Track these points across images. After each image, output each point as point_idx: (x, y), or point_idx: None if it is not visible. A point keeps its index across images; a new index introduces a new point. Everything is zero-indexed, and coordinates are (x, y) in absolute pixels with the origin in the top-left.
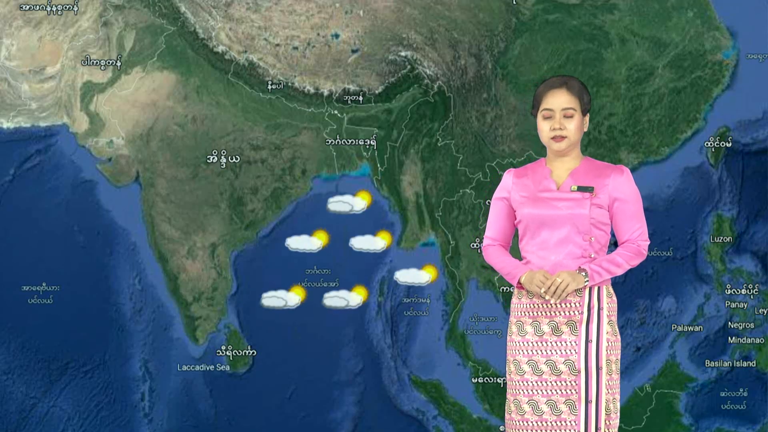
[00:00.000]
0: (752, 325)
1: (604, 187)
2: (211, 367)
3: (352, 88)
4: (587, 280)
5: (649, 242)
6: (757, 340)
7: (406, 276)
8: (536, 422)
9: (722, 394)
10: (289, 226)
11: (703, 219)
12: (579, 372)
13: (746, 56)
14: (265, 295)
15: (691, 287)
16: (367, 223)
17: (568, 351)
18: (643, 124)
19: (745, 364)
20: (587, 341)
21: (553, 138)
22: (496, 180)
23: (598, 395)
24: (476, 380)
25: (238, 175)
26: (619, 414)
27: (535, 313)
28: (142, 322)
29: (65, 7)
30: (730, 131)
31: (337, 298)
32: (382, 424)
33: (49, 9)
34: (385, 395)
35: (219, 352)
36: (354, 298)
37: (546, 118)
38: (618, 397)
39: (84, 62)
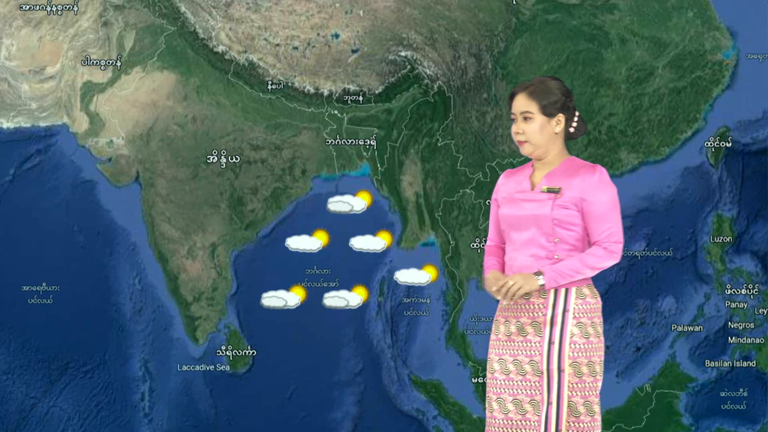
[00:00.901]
0: (752, 325)
1: (572, 186)
2: (211, 367)
3: (352, 88)
4: (542, 283)
5: (621, 243)
6: (757, 340)
7: (406, 276)
8: (502, 420)
9: (722, 394)
10: (289, 226)
11: (703, 219)
12: (542, 373)
13: (746, 56)
14: (265, 295)
15: (691, 287)
16: (367, 223)
17: (532, 352)
18: (643, 124)
19: (745, 364)
20: (550, 343)
21: (518, 142)
22: (496, 180)
23: (559, 397)
24: (476, 380)
25: (238, 175)
26: (597, 417)
27: (507, 314)
28: (142, 322)
29: (65, 7)
30: (730, 131)
31: (337, 298)
32: (382, 424)
33: (49, 9)
34: (385, 395)
35: (219, 352)
36: (354, 298)
37: (513, 121)
38: (595, 399)
39: (84, 62)
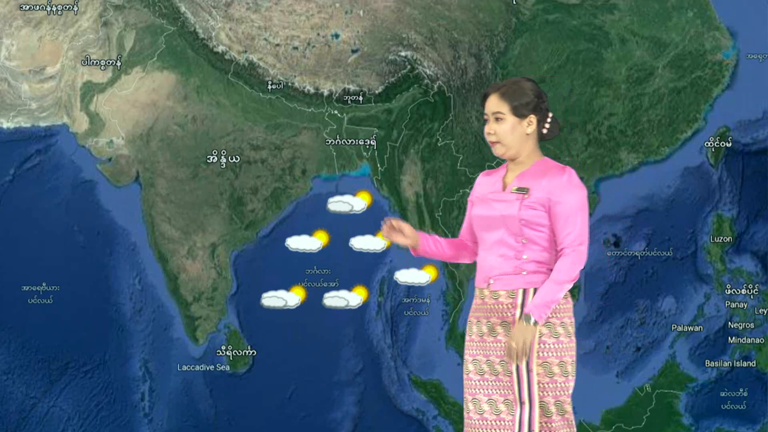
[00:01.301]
0: (752, 325)
1: (540, 187)
2: (211, 367)
3: (352, 88)
4: (536, 321)
5: (585, 245)
6: (757, 340)
7: (406, 276)
8: (478, 420)
9: (722, 394)
10: (289, 226)
11: (703, 219)
12: (512, 373)
13: (746, 56)
14: (265, 295)
15: (691, 287)
16: (367, 223)
17: (503, 352)
18: (643, 124)
19: (745, 364)
20: None
21: (489, 142)
22: None
23: (530, 397)
24: None
25: (238, 175)
26: (568, 416)
27: (478, 314)
28: (142, 322)
29: (65, 7)
30: (730, 131)
31: (337, 298)
32: (382, 424)
33: (49, 9)
34: (385, 395)
35: (219, 352)
36: (354, 298)
37: (485, 122)
38: (567, 399)
39: (84, 62)
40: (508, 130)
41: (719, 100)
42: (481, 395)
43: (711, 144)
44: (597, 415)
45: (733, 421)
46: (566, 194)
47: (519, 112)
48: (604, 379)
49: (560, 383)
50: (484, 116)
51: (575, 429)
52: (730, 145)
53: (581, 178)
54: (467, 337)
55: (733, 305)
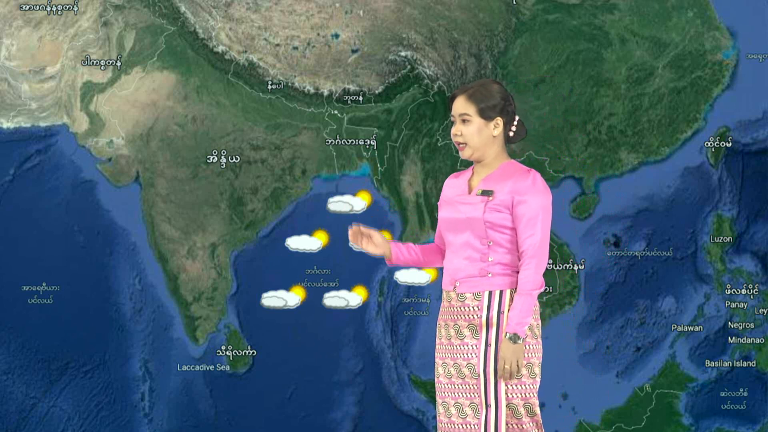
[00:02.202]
0: (752, 325)
1: (505, 189)
2: (211, 367)
3: (352, 88)
4: (522, 337)
5: (544, 250)
6: (757, 340)
7: (406, 276)
8: (446, 424)
9: (722, 394)
10: (289, 226)
11: (703, 219)
12: (479, 376)
13: (746, 56)
14: (265, 295)
15: (691, 287)
16: (367, 223)
17: (469, 354)
18: (643, 124)
19: (745, 364)
20: (486, 345)
21: (456, 144)
22: None
23: (497, 400)
24: None
25: (238, 175)
26: (538, 418)
27: (446, 317)
28: (142, 322)
29: (65, 7)
30: (730, 131)
31: (337, 298)
32: (382, 424)
33: (49, 9)
34: (385, 395)
35: (219, 352)
36: (354, 298)
37: (452, 124)
38: (535, 401)
39: (84, 62)
40: (474, 131)
41: (719, 100)
42: (449, 398)
43: (711, 144)
44: (597, 415)
45: (733, 421)
46: (529, 196)
47: (485, 114)
48: (604, 379)
49: (528, 385)
50: (451, 118)
51: (543, 430)
52: (730, 145)
53: (581, 179)
54: (437, 341)
55: (733, 305)
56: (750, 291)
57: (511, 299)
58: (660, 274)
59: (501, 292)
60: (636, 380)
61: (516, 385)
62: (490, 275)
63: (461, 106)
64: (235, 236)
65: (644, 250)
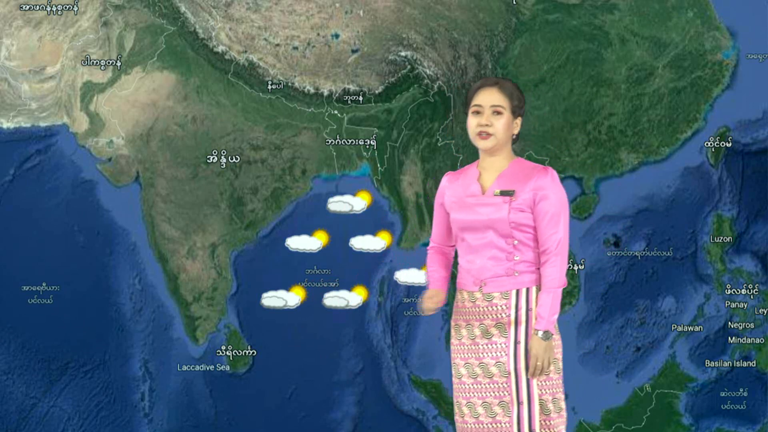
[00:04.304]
0: (752, 325)
1: (526, 189)
2: (211, 367)
3: (352, 88)
4: (553, 334)
5: (566, 246)
6: (757, 340)
7: (406, 276)
8: (474, 424)
9: (722, 394)
10: (289, 226)
11: (703, 219)
12: (509, 374)
13: (746, 56)
14: (265, 295)
15: (691, 287)
16: (367, 223)
17: (498, 353)
18: (643, 124)
19: (745, 364)
20: (516, 343)
21: (479, 134)
22: None
23: (529, 396)
24: None
25: (238, 175)
26: (564, 413)
27: (468, 317)
28: (142, 322)
29: (65, 7)
30: (730, 131)
31: (337, 298)
32: (382, 424)
33: (49, 9)
34: (385, 395)
35: (219, 352)
36: (354, 298)
37: (475, 114)
38: (561, 396)
39: (84, 62)
40: (504, 125)
41: (719, 100)
42: (476, 399)
43: (711, 144)
44: (597, 415)
45: (733, 421)
46: (550, 193)
47: (515, 112)
48: (604, 379)
49: (555, 380)
50: (474, 107)
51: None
52: (730, 145)
53: (581, 179)
54: (455, 341)
55: (733, 305)
56: (750, 291)
57: (537, 296)
58: (660, 274)
59: (528, 290)
60: (636, 380)
61: (545, 381)
62: (516, 274)
63: (496, 98)
64: (235, 236)
65: (644, 250)
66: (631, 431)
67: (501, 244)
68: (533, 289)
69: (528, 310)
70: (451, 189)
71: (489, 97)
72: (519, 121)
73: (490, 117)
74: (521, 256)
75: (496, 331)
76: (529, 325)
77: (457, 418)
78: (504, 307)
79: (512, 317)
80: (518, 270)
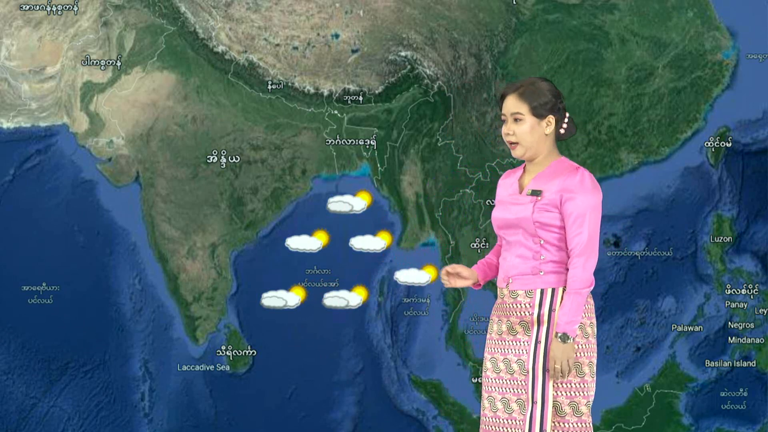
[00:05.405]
0: (752, 325)
1: (554, 189)
2: (211, 367)
3: (352, 88)
4: (572, 337)
5: (594, 248)
6: (757, 340)
7: (406, 276)
8: (492, 418)
9: (722, 394)
10: (289, 226)
11: (703, 219)
12: (528, 372)
13: (746, 56)
14: (265, 295)
15: (691, 287)
16: (367, 223)
17: (520, 351)
18: (643, 124)
19: (745, 364)
20: (536, 342)
21: (509, 144)
22: (496, 180)
23: (544, 397)
24: (476, 380)
25: (238, 175)
26: (585, 417)
27: (499, 313)
28: (142, 322)
29: (65, 7)
30: (730, 131)
31: (337, 298)
32: (382, 424)
33: (49, 9)
34: (385, 395)
35: (219, 352)
36: (354, 298)
37: (503, 122)
38: (582, 400)
39: (84, 62)
40: (527, 130)
41: (719, 100)
42: (496, 393)
43: (711, 144)
44: (597, 415)
45: (733, 421)
46: (577, 194)
47: (538, 113)
48: (604, 379)
49: (575, 384)
50: (502, 117)
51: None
52: (730, 145)
53: None
54: (488, 335)
55: (733, 305)
56: (750, 291)
57: (563, 297)
58: (660, 274)
59: (553, 290)
60: (636, 380)
61: (562, 383)
62: (542, 273)
63: (513, 104)
64: (235, 236)
65: (644, 250)
66: (631, 431)
67: (529, 242)
68: (559, 290)
69: (551, 310)
70: (500, 187)
71: (508, 105)
72: (551, 118)
73: (512, 125)
74: (548, 255)
75: (520, 329)
76: (551, 326)
77: (481, 410)
78: (528, 305)
79: (535, 316)
80: (544, 269)
